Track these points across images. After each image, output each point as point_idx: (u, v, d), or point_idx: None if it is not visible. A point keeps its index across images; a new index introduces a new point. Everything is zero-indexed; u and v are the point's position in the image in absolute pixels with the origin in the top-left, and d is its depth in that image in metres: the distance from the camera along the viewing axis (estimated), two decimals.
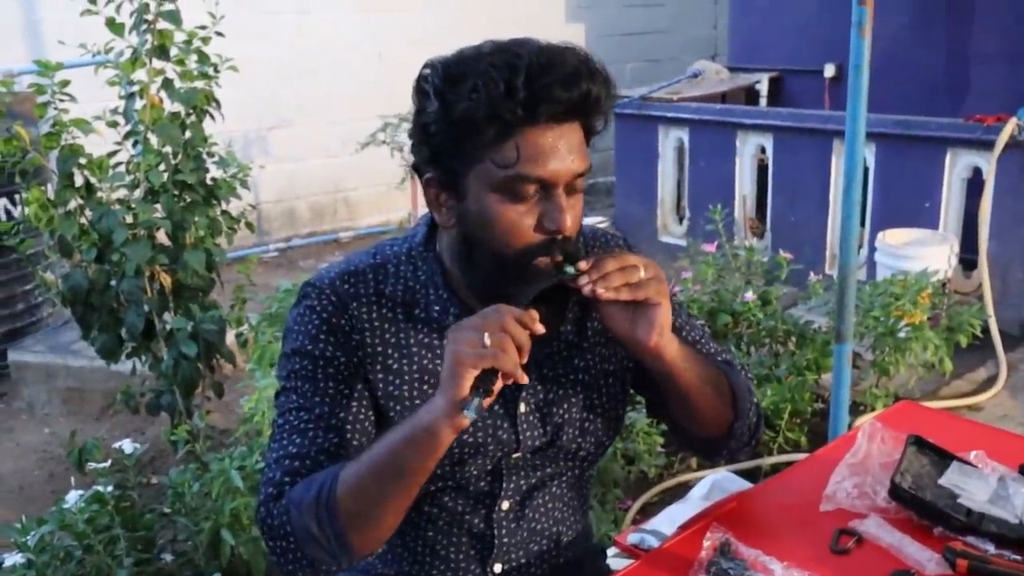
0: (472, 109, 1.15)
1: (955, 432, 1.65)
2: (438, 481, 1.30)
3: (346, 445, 1.26)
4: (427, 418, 1.13)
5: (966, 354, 3.77)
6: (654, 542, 2.02)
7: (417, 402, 1.28)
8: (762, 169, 5.63)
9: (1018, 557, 1.28)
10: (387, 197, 6.74)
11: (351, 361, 1.27)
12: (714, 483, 2.17)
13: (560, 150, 1.18)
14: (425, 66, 1.22)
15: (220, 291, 3.44)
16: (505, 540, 1.35)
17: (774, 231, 5.45)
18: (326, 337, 1.27)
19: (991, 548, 1.30)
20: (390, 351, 1.29)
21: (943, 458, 1.49)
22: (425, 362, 1.30)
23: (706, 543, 1.31)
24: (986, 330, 3.82)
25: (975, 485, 1.42)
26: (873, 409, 3.41)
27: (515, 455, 1.32)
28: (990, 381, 3.80)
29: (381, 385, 1.28)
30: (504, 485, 1.33)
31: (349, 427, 1.27)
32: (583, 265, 1.18)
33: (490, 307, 1.13)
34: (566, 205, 1.20)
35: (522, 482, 1.34)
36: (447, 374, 1.11)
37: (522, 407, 1.32)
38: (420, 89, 1.22)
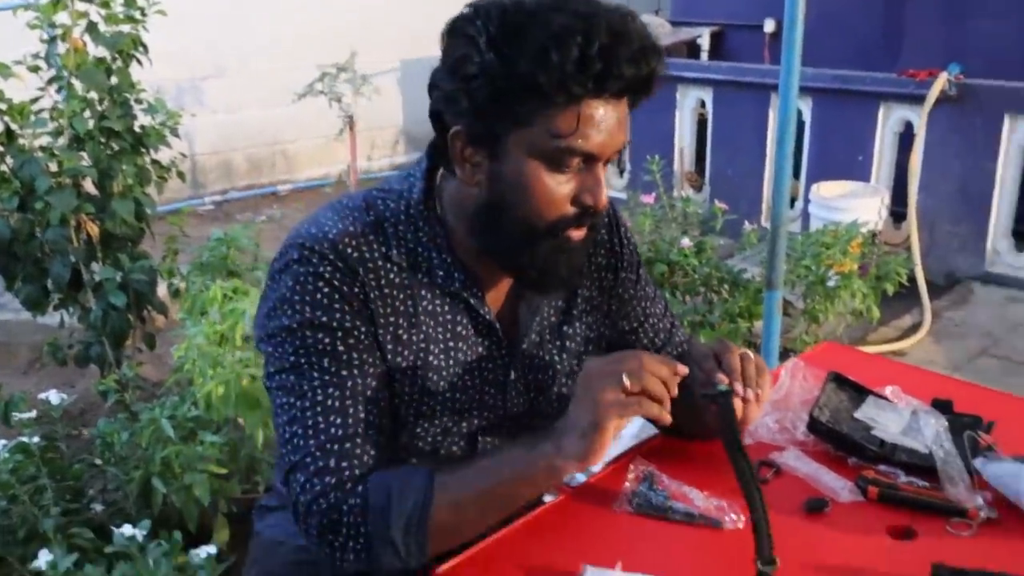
0: (538, 72, 1.07)
1: (873, 370, 1.70)
2: (416, 454, 1.30)
3: (385, 417, 1.22)
4: (556, 462, 1.15)
5: (893, 302, 3.88)
6: (581, 477, 2.07)
7: (420, 372, 1.24)
8: (702, 123, 5.67)
9: (925, 483, 1.33)
10: (326, 149, 6.64)
11: (369, 331, 1.19)
12: (644, 423, 2.20)
13: (614, 125, 1.14)
14: (472, 8, 1.12)
15: (152, 243, 3.37)
16: None
17: (712, 184, 5.51)
18: (341, 306, 1.17)
19: (901, 476, 1.35)
20: (400, 320, 1.22)
21: (860, 393, 1.54)
22: (429, 331, 1.25)
23: (630, 475, 1.34)
24: (913, 280, 3.93)
25: (889, 418, 1.47)
26: None
27: (492, 420, 1.33)
28: (915, 328, 3.92)
29: (389, 356, 1.22)
30: (478, 451, 1.34)
31: (383, 400, 1.21)
32: (748, 395, 1.22)
33: (627, 352, 1.15)
34: (604, 180, 1.19)
35: (489, 448, 1.35)
36: (587, 422, 1.12)
37: (512, 374, 1.32)
38: (464, 34, 1.11)
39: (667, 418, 1.12)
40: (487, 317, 1.27)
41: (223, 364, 2.17)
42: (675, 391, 1.13)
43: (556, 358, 1.35)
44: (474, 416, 1.30)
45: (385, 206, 1.24)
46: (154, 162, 3.24)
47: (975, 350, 3.76)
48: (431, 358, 1.24)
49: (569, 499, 1.34)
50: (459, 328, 1.27)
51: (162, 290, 3.33)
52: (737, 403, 1.20)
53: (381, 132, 7.10)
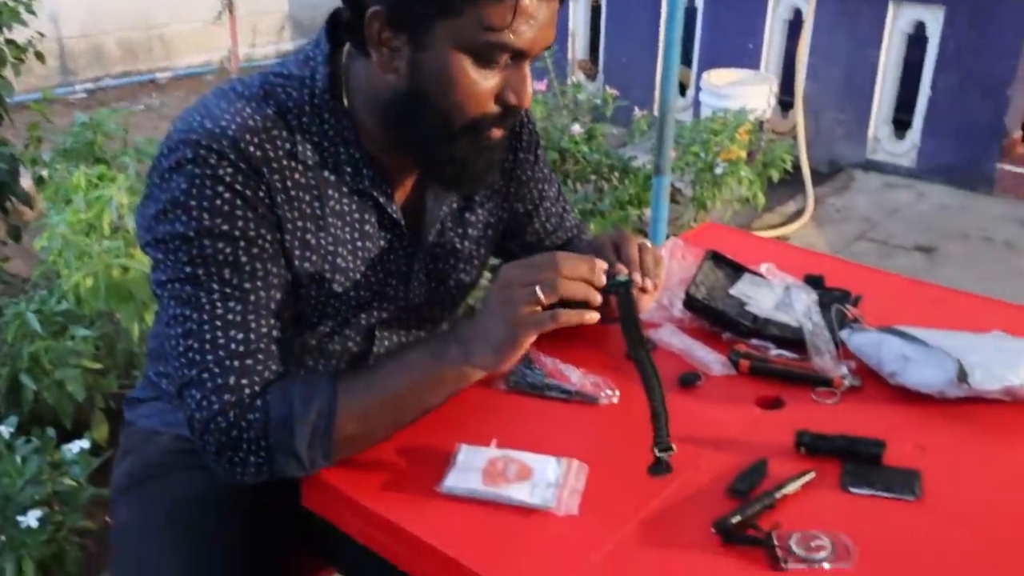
0: None
1: (751, 248, 1.72)
2: (310, 350, 1.25)
3: (289, 328, 1.15)
4: (467, 369, 1.14)
5: (778, 189, 3.97)
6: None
7: (327, 276, 1.18)
8: (596, 10, 5.58)
9: (795, 356, 1.36)
10: (205, 34, 6.29)
11: (274, 238, 1.12)
12: None
13: (546, 21, 1.08)
14: None
15: (14, 131, 3.16)
16: None
17: (606, 72, 5.47)
18: (244, 213, 1.08)
19: (772, 349, 1.38)
20: (307, 223, 1.15)
21: (736, 271, 1.56)
22: (337, 232, 1.18)
23: None
24: (797, 167, 4.01)
25: (762, 294, 1.50)
26: None
27: (392, 312, 1.29)
28: (798, 214, 4.02)
29: (296, 263, 1.15)
30: (375, 348, 1.30)
31: (287, 311, 1.15)
32: (647, 285, 1.22)
33: (543, 257, 1.09)
34: (530, 79, 1.12)
35: (386, 342, 1.32)
36: (502, 337, 1.09)
37: (415, 265, 1.27)
38: None
39: (592, 318, 1.10)
40: (394, 216, 1.23)
41: (91, 255, 2.06)
42: (601, 281, 1.11)
43: (459, 245, 1.32)
44: (373, 309, 1.26)
45: (287, 95, 1.14)
46: (9, 42, 3.01)
47: (854, 234, 3.89)
48: (339, 260, 1.19)
49: None
50: (367, 227, 1.22)
51: (27, 182, 3.13)
52: (636, 293, 1.20)
53: (264, 17, 6.75)
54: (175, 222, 1.08)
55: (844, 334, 1.37)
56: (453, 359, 1.13)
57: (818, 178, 4.27)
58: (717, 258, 1.57)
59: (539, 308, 1.09)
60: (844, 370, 1.31)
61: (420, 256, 1.27)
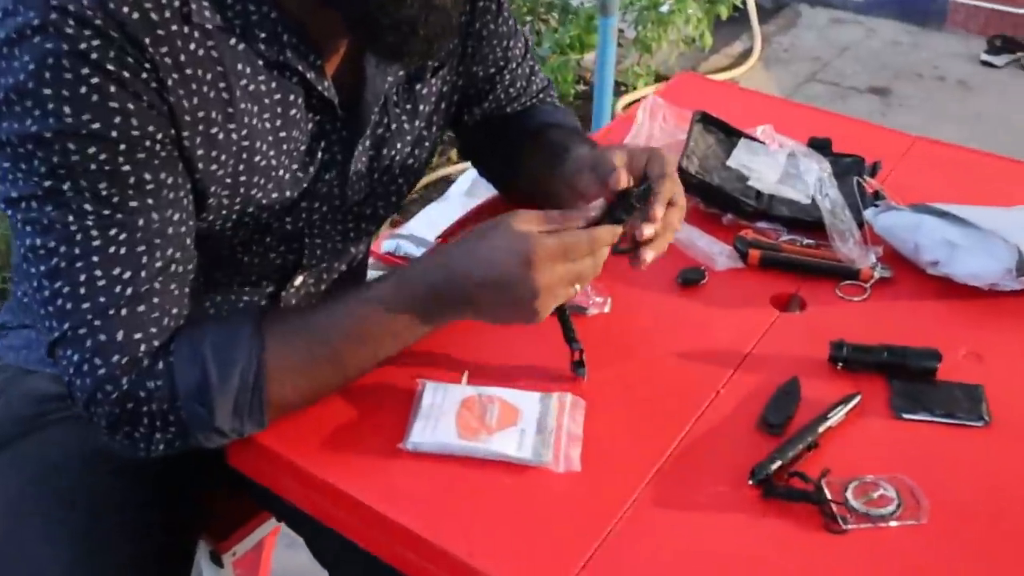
0: None
1: (740, 105, 1.47)
2: (226, 269, 0.98)
3: (193, 259, 0.88)
4: (437, 318, 0.90)
5: (723, 29, 3.68)
6: (411, 248, 1.80)
7: (243, 180, 0.89)
8: None
9: (811, 241, 1.14)
10: None
11: (167, 136, 0.82)
12: (476, 179, 1.94)
13: None
14: None
15: None
16: None
17: None
18: (122, 104, 0.78)
19: (784, 233, 1.16)
20: (212, 113, 0.84)
21: (730, 136, 1.31)
22: (253, 121, 0.88)
23: None
24: (743, 3, 3.71)
25: (764, 164, 1.26)
26: (635, 88, 3.27)
27: (326, 215, 1.01)
28: (745, 55, 3.76)
29: (201, 167, 0.85)
30: (305, 260, 1.03)
31: (191, 234, 0.87)
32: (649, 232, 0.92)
33: (577, 238, 0.86)
34: None
35: (318, 251, 1.04)
36: (513, 319, 0.88)
37: (355, 153, 0.98)
38: None
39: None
40: (325, 94, 0.92)
41: None
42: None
43: (406, 125, 1.03)
44: (302, 212, 0.98)
45: None
46: None
47: (804, 75, 3.66)
48: (257, 158, 0.90)
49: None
50: (291, 111, 0.91)
51: None
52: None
53: None
54: (23, 118, 0.77)
55: (869, 214, 1.14)
56: (428, 314, 0.88)
57: (763, 15, 3.97)
58: (707, 120, 1.32)
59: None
60: (872, 258, 1.10)
61: (360, 143, 0.98)
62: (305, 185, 0.96)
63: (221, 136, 0.85)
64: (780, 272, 1.11)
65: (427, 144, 1.07)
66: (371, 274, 1.82)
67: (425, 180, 2.74)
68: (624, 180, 0.91)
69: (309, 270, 1.05)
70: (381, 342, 0.88)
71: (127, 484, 0.99)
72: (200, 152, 0.85)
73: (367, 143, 0.99)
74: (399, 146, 1.03)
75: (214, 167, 0.86)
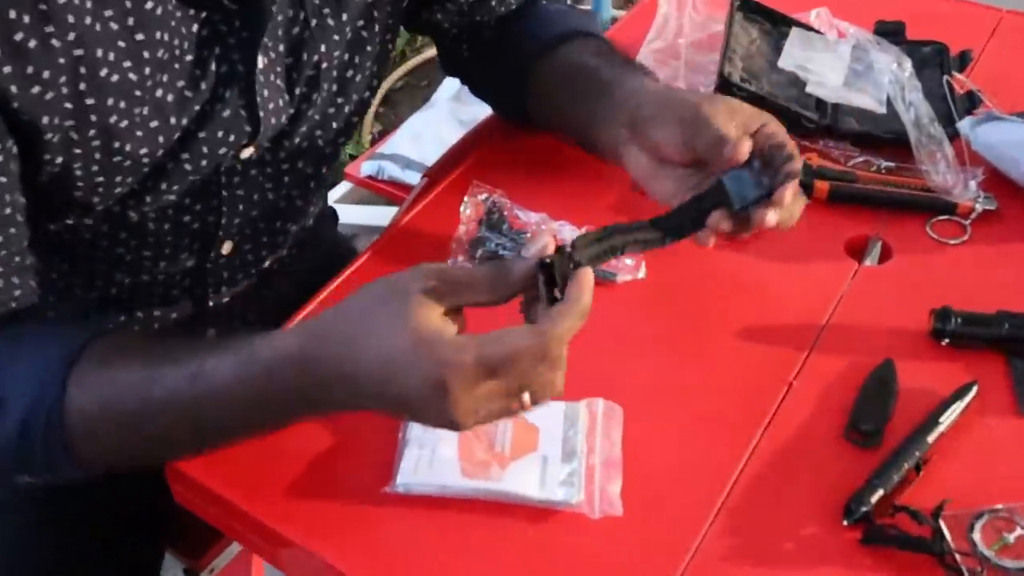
0: None
1: None
2: (131, 242, 0.77)
3: (17, 236, 0.67)
4: (349, 402, 0.62)
5: None
6: (396, 171, 1.57)
7: (90, 102, 0.65)
8: None
9: (889, 164, 0.91)
10: None
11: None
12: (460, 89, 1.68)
13: None
14: None
15: None
16: (223, 292, 0.87)
17: None
18: None
19: (857, 156, 0.93)
20: (10, 12, 0.60)
21: (778, 25, 1.06)
22: (85, 19, 0.63)
23: (465, 211, 0.85)
24: None
25: (824, 62, 1.01)
26: None
27: (244, 154, 0.76)
28: None
29: (15, 88, 0.61)
30: (226, 216, 0.80)
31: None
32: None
33: (532, 334, 0.57)
34: None
35: (243, 204, 0.81)
36: (434, 423, 0.60)
37: (261, 63, 0.73)
38: None
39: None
40: None
41: None
42: None
43: (331, 21, 0.77)
44: (203, 149, 0.74)
45: None
46: None
47: None
48: (104, 72, 0.65)
49: (379, 253, 0.86)
50: (146, 3, 0.66)
51: None
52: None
53: None
54: None
55: (965, 126, 0.91)
56: (303, 407, 0.64)
57: None
58: (748, 5, 1.06)
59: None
60: (973, 187, 0.87)
61: (261, 46, 0.74)
62: (198, 108, 0.72)
63: (33, 44, 0.61)
64: (854, 208, 0.88)
65: (370, 49, 0.81)
66: (351, 214, 1.58)
67: (409, 64, 2.43)
68: (746, 152, 0.69)
69: (238, 234, 0.82)
70: (230, 429, 0.66)
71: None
72: (6, 70, 0.61)
73: (277, 46, 0.74)
74: (325, 49, 0.77)
75: (36, 90, 0.62)
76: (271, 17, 0.72)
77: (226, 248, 0.83)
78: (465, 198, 0.86)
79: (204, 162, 0.74)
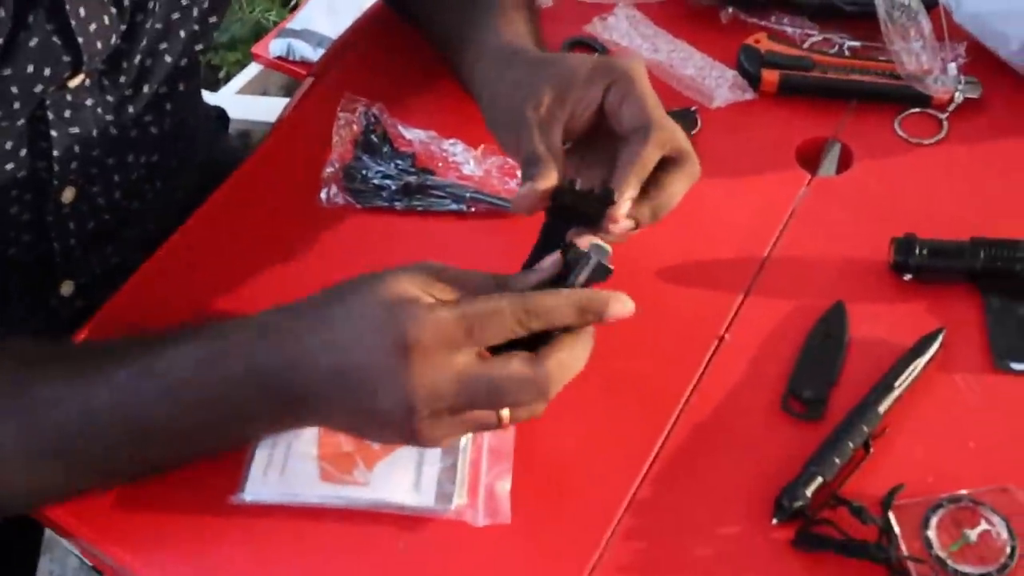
0: None
1: None
2: None
3: None
4: (260, 422, 0.53)
5: None
6: (307, 50, 1.38)
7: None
8: None
9: (854, 43, 0.76)
10: None
11: None
12: None
13: None
14: None
15: None
16: (73, 245, 0.72)
17: None
18: None
19: (813, 33, 0.77)
20: None
21: None
22: None
23: (338, 134, 0.70)
24: None
25: None
26: None
27: (72, 84, 0.62)
28: None
29: None
30: (59, 160, 0.65)
31: None
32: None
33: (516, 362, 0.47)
34: None
35: (79, 144, 0.65)
36: (398, 440, 0.51)
37: (80, 2, 0.58)
38: None
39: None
40: None
41: None
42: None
43: None
44: (13, 83, 0.59)
45: None
46: None
47: None
48: None
49: (238, 187, 0.72)
50: None
51: None
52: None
53: None
54: None
55: None
56: (242, 414, 0.52)
57: None
58: None
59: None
60: (952, 70, 0.72)
61: None
62: (0, 41, 0.57)
63: None
64: (810, 101, 0.73)
65: None
66: (255, 107, 1.37)
67: None
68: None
69: (80, 176, 0.68)
70: (158, 444, 0.54)
71: None
72: None
73: None
74: None
75: None
76: None
77: (67, 195, 0.69)
78: (338, 113, 0.71)
79: (17, 104, 0.59)
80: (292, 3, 1.84)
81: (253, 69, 1.53)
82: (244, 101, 1.51)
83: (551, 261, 0.51)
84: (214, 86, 1.73)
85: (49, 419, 0.51)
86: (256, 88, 1.58)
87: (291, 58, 1.35)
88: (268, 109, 1.37)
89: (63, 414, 0.51)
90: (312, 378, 0.49)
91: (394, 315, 0.46)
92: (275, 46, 1.37)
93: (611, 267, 0.51)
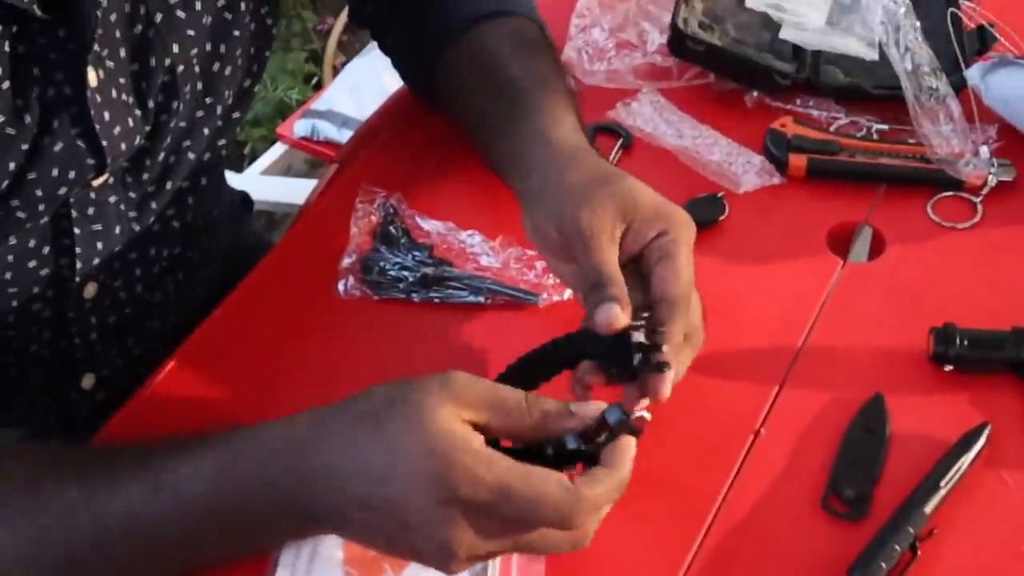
0: None
1: None
2: None
3: None
4: (277, 536, 0.53)
5: None
6: (331, 131, 1.39)
7: None
8: None
9: (882, 126, 0.75)
10: None
11: None
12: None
13: None
14: None
15: None
16: (94, 339, 0.71)
17: None
18: None
19: (840, 116, 0.76)
20: None
21: None
22: None
23: (358, 222, 0.70)
24: None
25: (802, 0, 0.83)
26: None
27: (96, 183, 0.62)
28: None
29: None
30: (82, 258, 0.65)
31: None
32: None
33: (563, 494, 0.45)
34: None
35: (101, 241, 0.66)
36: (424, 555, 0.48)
37: (93, 78, 0.58)
38: None
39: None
40: None
41: None
42: None
43: (180, 14, 0.61)
44: (15, 212, 0.58)
45: None
46: None
47: None
48: None
49: (261, 279, 0.71)
50: None
51: None
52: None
53: None
54: None
55: (974, 74, 0.74)
56: (257, 532, 0.51)
57: None
58: None
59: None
60: (985, 153, 0.71)
61: (98, 60, 0.58)
62: (26, 146, 0.57)
63: None
64: (839, 186, 0.72)
65: (238, 33, 0.65)
66: (277, 189, 1.37)
67: None
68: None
69: (102, 272, 0.67)
70: (172, 559, 0.52)
71: None
72: None
73: (117, 54, 0.58)
74: (178, 49, 0.61)
75: None
76: (96, 21, 0.56)
77: (89, 291, 0.68)
78: (356, 204, 0.70)
79: (42, 206, 0.59)
80: (314, 81, 1.86)
81: (278, 149, 1.55)
82: (268, 182, 1.52)
83: (593, 412, 0.48)
84: (238, 162, 1.75)
85: (60, 529, 0.50)
86: (280, 166, 1.59)
87: (316, 138, 1.37)
88: (290, 191, 1.38)
89: (74, 525, 0.49)
90: (334, 502, 0.47)
91: (440, 463, 0.45)
92: (300, 127, 1.38)
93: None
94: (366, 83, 1.35)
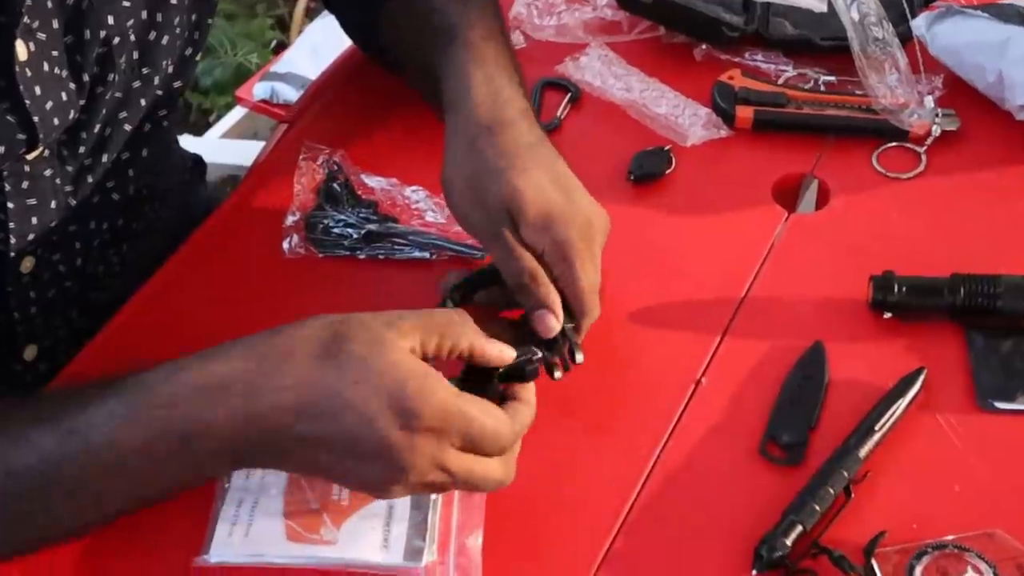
0: None
1: None
2: None
3: None
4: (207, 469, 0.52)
5: None
6: (291, 93, 1.38)
7: None
8: None
9: (829, 77, 0.75)
10: None
11: None
12: None
13: None
14: None
15: None
16: (34, 313, 0.70)
17: None
18: None
19: (788, 69, 0.76)
20: None
21: None
22: None
23: (300, 179, 0.69)
24: None
25: None
26: None
27: (30, 156, 0.61)
28: None
29: None
30: (16, 232, 0.64)
31: None
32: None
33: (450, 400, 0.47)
34: None
35: (35, 215, 0.65)
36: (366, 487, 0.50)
37: (43, 66, 0.57)
38: None
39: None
40: None
41: None
42: None
43: None
44: None
45: None
46: None
47: None
48: None
49: (200, 245, 0.71)
50: None
51: None
52: None
53: None
54: None
55: (920, 24, 0.74)
56: (186, 465, 0.50)
57: None
58: None
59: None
60: (929, 103, 0.71)
61: (28, 33, 0.56)
62: None
63: None
64: (786, 137, 0.72)
65: (175, 1, 0.64)
66: (238, 151, 1.36)
67: None
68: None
69: (39, 246, 0.67)
70: (87, 505, 0.52)
71: None
72: None
73: (49, 26, 0.57)
74: (113, 20, 0.60)
75: None
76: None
77: (26, 265, 0.68)
78: (299, 162, 0.70)
79: None
80: (272, 45, 1.84)
81: (238, 112, 1.53)
82: (226, 145, 1.50)
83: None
84: (203, 130, 1.72)
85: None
86: (246, 131, 1.57)
87: (275, 101, 1.35)
88: (250, 154, 1.35)
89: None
90: (283, 442, 0.48)
91: (400, 391, 0.46)
92: (259, 89, 1.36)
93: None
94: (325, 45, 1.33)
